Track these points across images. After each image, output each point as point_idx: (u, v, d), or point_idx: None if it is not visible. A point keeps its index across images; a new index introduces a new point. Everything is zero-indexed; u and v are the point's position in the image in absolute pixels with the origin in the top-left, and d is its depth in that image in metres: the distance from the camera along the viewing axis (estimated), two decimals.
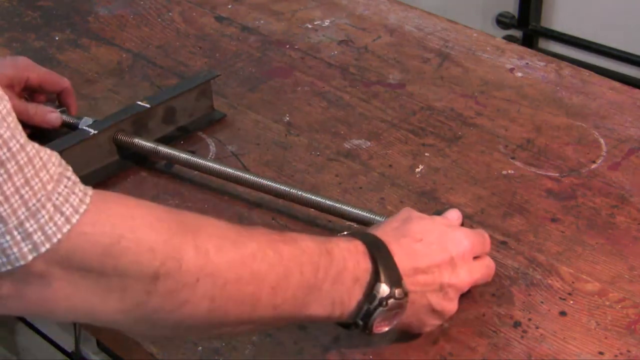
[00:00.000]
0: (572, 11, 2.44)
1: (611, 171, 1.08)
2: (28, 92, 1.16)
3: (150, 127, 1.13)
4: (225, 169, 1.04)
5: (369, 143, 1.14)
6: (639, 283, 0.92)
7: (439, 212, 0.91)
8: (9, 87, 1.12)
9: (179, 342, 0.87)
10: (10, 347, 1.38)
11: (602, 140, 1.13)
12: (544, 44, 2.52)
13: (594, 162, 1.10)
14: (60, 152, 1.02)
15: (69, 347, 1.21)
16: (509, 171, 1.09)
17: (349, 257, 0.76)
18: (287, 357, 0.85)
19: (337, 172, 1.09)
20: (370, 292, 0.77)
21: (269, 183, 1.01)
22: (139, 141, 1.08)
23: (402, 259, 0.79)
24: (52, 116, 1.12)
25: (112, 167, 1.09)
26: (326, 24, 1.42)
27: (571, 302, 0.90)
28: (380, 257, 0.78)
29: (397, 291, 0.77)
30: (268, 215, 1.02)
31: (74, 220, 0.63)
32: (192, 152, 1.12)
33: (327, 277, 0.75)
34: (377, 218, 0.94)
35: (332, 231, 0.99)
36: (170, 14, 1.46)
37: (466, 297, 0.90)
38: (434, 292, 0.82)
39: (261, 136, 1.16)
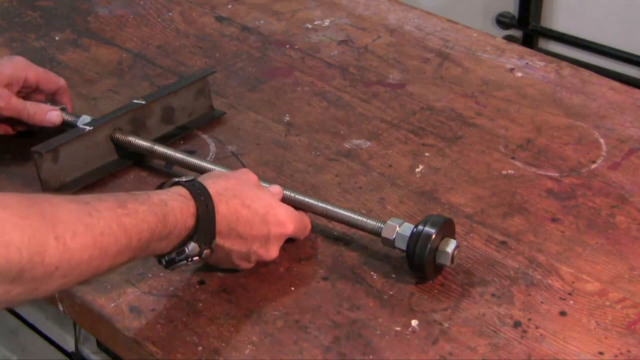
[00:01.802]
0: (572, 11, 2.44)
1: (611, 171, 1.08)
2: (25, 91, 1.16)
3: (149, 126, 1.13)
4: (221, 170, 1.03)
5: (369, 143, 1.14)
6: (639, 283, 0.92)
7: (430, 216, 0.91)
8: (8, 86, 1.12)
9: (179, 342, 0.87)
10: (10, 347, 1.38)
11: (602, 140, 1.13)
12: (544, 44, 2.52)
13: (594, 162, 1.10)
14: (57, 149, 1.04)
15: (69, 347, 1.21)
16: (509, 171, 1.09)
17: (179, 219, 0.85)
18: (287, 357, 0.85)
19: (337, 172, 1.09)
20: (182, 246, 0.87)
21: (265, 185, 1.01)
22: (135, 140, 1.08)
23: (224, 219, 0.89)
24: (53, 114, 1.13)
25: (111, 166, 1.09)
26: (326, 24, 1.42)
27: (571, 302, 0.90)
28: (203, 219, 0.87)
29: (205, 251, 0.88)
30: None
31: None
32: (192, 152, 1.12)
33: (158, 238, 0.84)
34: (371, 222, 0.94)
35: (331, 231, 0.99)
36: (170, 14, 1.46)
37: (466, 297, 0.91)
38: (239, 255, 0.92)
39: (261, 136, 1.16)
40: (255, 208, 0.91)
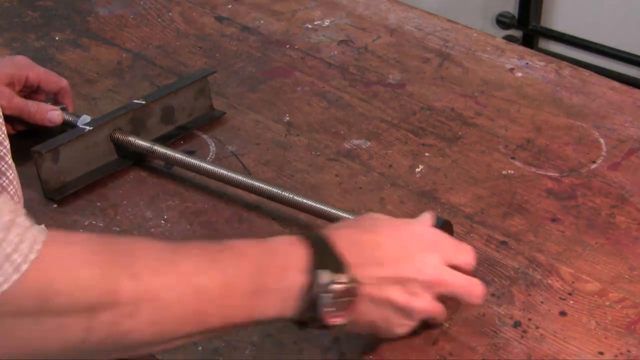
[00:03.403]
0: (572, 11, 2.44)
1: (611, 171, 1.08)
2: (27, 91, 1.16)
3: (149, 126, 1.13)
4: (219, 170, 1.03)
5: (369, 143, 1.14)
6: (639, 283, 0.92)
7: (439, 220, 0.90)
8: (10, 85, 1.12)
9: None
10: None
11: (602, 140, 1.13)
12: (544, 44, 2.52)
13: (594, 162, 1.10)
14: (57, 149, 1.04)
15: None
16: (509, 171, 1.09)
17: (292, 251, 0.75)
18: (287, 357, 0.85)
19: (337, 172, 1.09)
20: (313, 280, 0.75)
21: (262, 185, 1.00)
22: (135, 140, 1.08)
23: (351, 249, 0.77)
24: (54, 114, 1.12)
25: (111, 166, 1.09)
26: (326, 24, 1.42)
27: (571, 302, 0.90)
28: (321, 246, 0.76)
29: (343, 277, 0.75)
30: (268, 216, 1.02)
31: (23, 269, 0.62)
32: (192, 153, 1.12)
33: (271, 275, 0.74)
34: None
35: None
36: (170, 14, 1.46)
37: None
38: (393, 286, 0.78)
39: (261, 136, 1.16)
40: (382, 233, 0.80)
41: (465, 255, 0.84)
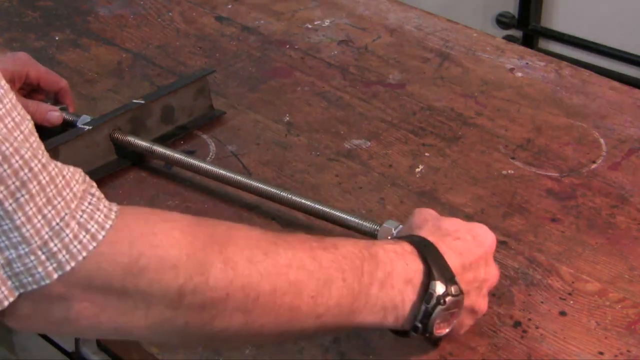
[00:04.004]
0: (572, 11, 2.44)
1: (611, 171, 1.08)
2: (27, 89, 1.16)
3: (149, 126, 1.13)
4: (218, 170, 1.03)
5: (369, 143, 1.14)
6: (639, 283, 0.92)
7: None
8: (10, 82, 1.11)
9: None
10: (10, 347, 1.38)
11: (602, 140, 1.13)
12: (544, 44, 2.52)
13: (594, 162, 1.10)
14: (57, 149, 1.04)
15: (69, 347, 1.21)
16: (509, 171, 1.09)
17: (397, 259, 0.74)
18: (287, 357, 0.85)
19: (337, 172, 1.09)
20: (425, 292, 0.74)
21: (262, 185, 1.00)
22: (134, 140, 1.08)
23: (451, 258, 0.77)
24: (53, 115, 1.12)
25: (111, 166, 1.09)
26: (326, 24, 1.42)
27: (571, 302, 0.90)
28: (430, 256, 0.75)
29: (453, 288, 0.74)
30: (268, 216, 1.02)
31: (100, 237, 0.62)
32: (192, 153, 1.12)
33: (373, 281, 0.72)
34: (367, 225, 0.93)
35: (330, 233, 0.99)
36: (170, 14, 1.46)
37: None
38: (475, 290, 0.79)
39: (261, 136, 1.16)
40: (465, 237, 0.80)
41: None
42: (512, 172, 1.08)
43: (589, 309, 0.89)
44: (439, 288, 0.74)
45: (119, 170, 1.10)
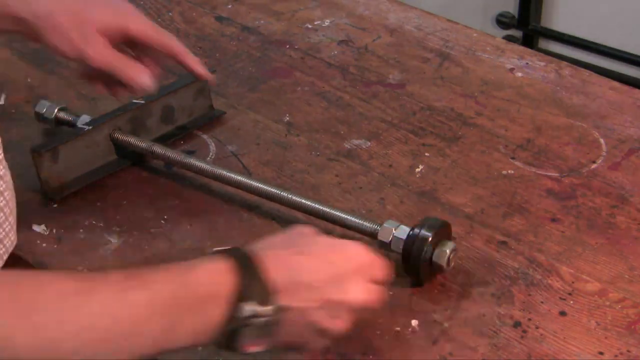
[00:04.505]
0: (572, 11, 2.44)
1: (611, 171, 1.08)
2: (131, 46, 1.00)
3: (149, 126, 1.13)
4: (218, 170, 1.03)
5: (369, 143, 1.14)
6: (639, 283, 0.92)
7: (427, 219, 0.91)
8: (105, 34, 0.95)
9: None
10: None
11: (602, 140, 1.13)
12: (544, 44, 2.52)
13: (594, 162, 1.10)
14: (57, 149, 1.04)
15: None
16: (509, 171, 1.09)
17: (211, 281, 0.72)
18: (287, 357, 0.85)
19: (337, 172, 1.09)
20: (233, 313, 0.72)
21: (262, 185, 1.00)
22: (134, 140, 1.08)
23: (280, 273, 0.74)
24: (144, 77, 0.96)
25: (111, 166, 1.09)
26: (326, 24, 1.42)
27: (571, 302, 0.90)
28: (247, 273, 0.72)
29: (263, 309, 0.72)
30: (268, 216, 1.02)
31: None
32: (192, 153, 1.12)
33: (185, 311, 0.70)
34: (367, 224, 0.93)
35: (330, 233, 0.99)
36: (170, 14, 1.46)
37: (466, 297, 0.90)
38: (317, 310, 0.76)
39: (261, 136, 1.16)
40: (313, 253, 0.77)
41: (386, 271, 0.81)
42: (512, 172, 1.08)
43: (589, 309, 0.89)
44: (246, 310, 0.72)
45: (119, 170, 1.10)
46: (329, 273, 0.76)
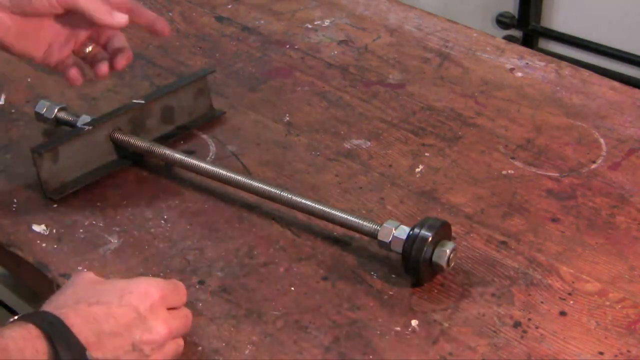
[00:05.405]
0: (572, 11, 2.44)
1: (611, 171, 1.08)
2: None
3: (149, 126, 1.13)
4: (218, 170, 1.03)
5: (369, 143, 1.14)
6: (639, 283, 0.92)
7: (427, 219, 0.91)
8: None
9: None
10: None
11: (602, 140, 1.13)
12: (544, 44, 2.52)
13: (594, 162, 1.10)
14: (57, 149, 1.04)
15: None
16: (509, 171, 1.09)
17: (26, 346, 0.72)
18: (287, 357, 0.85)
19: (337, 172, 1.09)
20: None
21: (262, 185, 1.00)
22: (134, 140, 1.08)
23: (82, 329, 0.75)
24: (119, 14, 0.94)
25: (110, 166, 1.09)
26: (326, 24, 1.42)
27: (571, 302, 0.90)
28: (56, 335, 0.74)
29: None
30: (268, 216, 1.02)
31: None
32: (192, 152, 1.12)
33: None
34: (368, 224, 0.93)
35: (330, 233, 0.99)
36: (170, 14, 1.46)
37: (466, 297, 0.90)
38: (127, 354, 0.78)
39: (261, 136, 1.16)
40: (106, 299, 0.79)
41: (181, 293, 0.84)
42: (512, 172, 1.08)
43: (589, 309, 0.89)
44: None
45: (119, 170, 1.10)
46: (130, 316, 0.78)
